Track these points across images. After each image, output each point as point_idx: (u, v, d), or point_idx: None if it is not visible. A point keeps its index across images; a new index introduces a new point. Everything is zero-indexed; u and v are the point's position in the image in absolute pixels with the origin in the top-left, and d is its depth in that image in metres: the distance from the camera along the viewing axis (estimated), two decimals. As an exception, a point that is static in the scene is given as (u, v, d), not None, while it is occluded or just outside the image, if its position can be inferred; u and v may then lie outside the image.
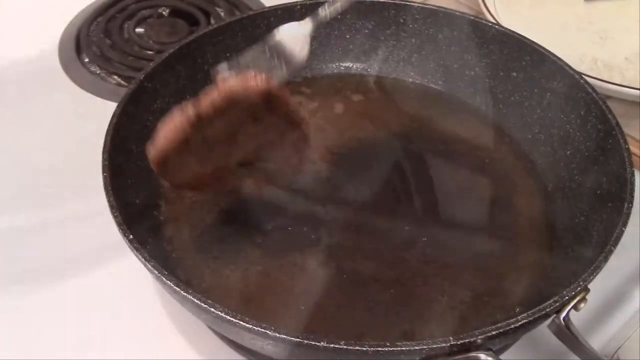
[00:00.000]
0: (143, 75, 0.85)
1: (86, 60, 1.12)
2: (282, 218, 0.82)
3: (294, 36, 0.82)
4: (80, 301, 0.79)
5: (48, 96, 1.06)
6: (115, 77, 1.09)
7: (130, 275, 0.78)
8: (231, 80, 0.72)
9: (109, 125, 0.78)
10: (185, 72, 0.92)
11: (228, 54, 0.96)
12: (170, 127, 0.72)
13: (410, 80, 1.01)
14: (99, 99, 1.05)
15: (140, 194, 0.80)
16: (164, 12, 1.20)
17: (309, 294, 0.74)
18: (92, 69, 1.10)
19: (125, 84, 1.07)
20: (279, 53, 0.82)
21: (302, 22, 0.82)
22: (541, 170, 0.88)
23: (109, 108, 0.81)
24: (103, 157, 0.75)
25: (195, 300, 0.61)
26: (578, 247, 0.76)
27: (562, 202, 0.84)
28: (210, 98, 0.73)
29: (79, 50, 1.14)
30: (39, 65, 1.11)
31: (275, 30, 0.82)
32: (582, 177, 0.83)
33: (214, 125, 0.79)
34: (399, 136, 0.94)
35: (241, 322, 0.59)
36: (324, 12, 0.81)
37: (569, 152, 0.86)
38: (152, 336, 0.77)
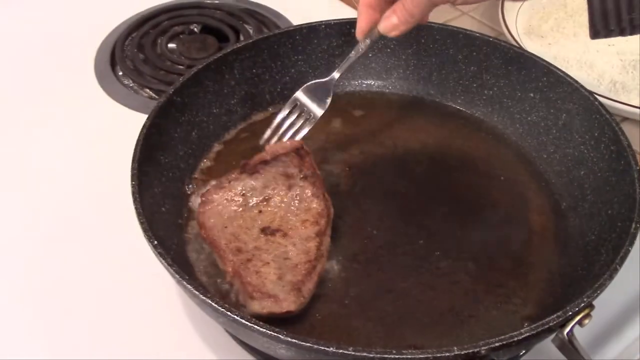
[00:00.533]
0: (172, 90, 0.89)
1: (120, 73, 1.17)
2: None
3: (318, 91, 0.90)
4: (104, 302, 0.83)
5: (83, 108, 1.11)
6: (147, 90, 1.13)
7: (153, 280, 0.82)
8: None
9: (139, 136, 0.82)
10: (212, 87, 0.95)
11: (254, 70, 1.00)
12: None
13: (430, 98, 1.04)
14: (131, 111, 1.09)
15: (167, 203, 0.84)
16: (195, 29, 1.25)
17: (323, 302, 0.77)
18: (126, 82, 1.15)
19: (157, 97, 1.11)
20: (303, 109, 0.90)
21: (326, 79, 0.90)
22: (555, 189, 0.90)
23: (140, 120, 0.85)
24: (132, 166, 0.78)
25: (213, 304, 0.64)
26: (587, 265, 0.78)
27: (575, 220, 0.85)
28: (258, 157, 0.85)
29: (113, 63, 1.19)
30: (75, 78, 1.16)
31: (301, 90, 0.89)
32: (594, 196, 0.84)
33: (254, 184, 0.85)
34: (417, 153, 0.96)
35: (256, 327, 0.62)
36: (347, 62, 0.89)
37: (582, 172, 0.87)
38: (171, 337, 0.80)
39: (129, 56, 1.19)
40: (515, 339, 0.62)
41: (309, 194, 0.84)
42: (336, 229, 0.84)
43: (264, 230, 0.82)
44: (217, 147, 0.96)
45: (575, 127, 0.90)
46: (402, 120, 1.01)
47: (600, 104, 0.86)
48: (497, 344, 0.61)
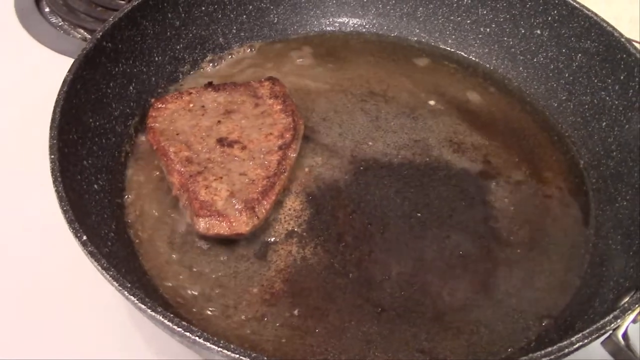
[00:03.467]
0: (100, 34, 0.68)
1: (46, 10, 0.94)
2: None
3: None
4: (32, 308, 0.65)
5: (1, 52, 0.89)
6: (81, 30, 0.91)
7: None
8: None
9: (58, 95, 0.62)
10: (152, 29, 0.75)
11: (204, 8, 0.79)
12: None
13: (415, 39, 0.85)
14: (61, 57, 0.87)
15: (100, 178, 0.64)
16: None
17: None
18: (54, 20, 0.93)
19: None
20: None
21: None
22: (571, 144, 0.73)
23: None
24: (51, 134, 0.58)
25: (170, 324, 0.47)
26: (622, 239, 0.62)
27: (598, 182, 0.69)
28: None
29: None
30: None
31: None
32: (621, 153, 0.68)
33: (218, 97, 0.73)
34: (403, 105, 0.78)
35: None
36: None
37: (604, 123, 0.71)
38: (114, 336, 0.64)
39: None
40: (566, 350, 0.46)
41: (277, 109, 0.73)
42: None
43: (221, 142, 0.69)
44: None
45: (594, 69, 0.72)
46: (383, 66, 0.82)
47: (628, 40, 0.69)
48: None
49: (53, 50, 0.88)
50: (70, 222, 0.53)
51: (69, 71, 0.64)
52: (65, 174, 0.57)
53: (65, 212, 0.53)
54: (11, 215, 0.71)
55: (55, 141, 0.58)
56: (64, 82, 0.63)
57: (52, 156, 0.57)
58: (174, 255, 0.63)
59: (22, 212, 0.71)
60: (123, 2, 0.94)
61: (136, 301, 0.49)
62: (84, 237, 0.51)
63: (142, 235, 0.64)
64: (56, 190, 0.54)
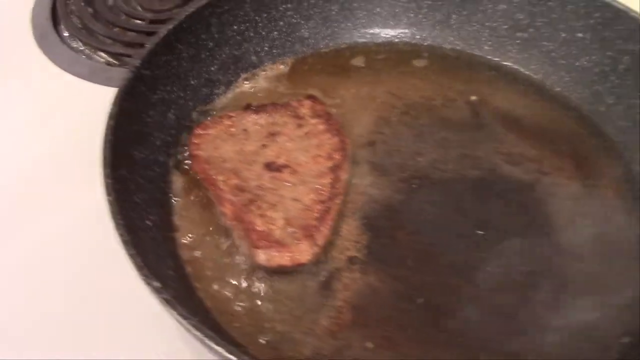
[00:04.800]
0: (140, 62, 0.65)
1: (65, 34, 0.89)
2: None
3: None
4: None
5: (20, 78, 0.84)
6: (103, 54, 0.87)
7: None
8: None
9: (106, 130, 0.58)
10: (187, 52, 0.71)
11: (235, 27, 0.76)
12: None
13: (449, 47, 0.82)
14: (81, 81, 0.83)
15: (151, 213, 0.61)
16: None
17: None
18: (73, 44, 0.88)
19: (115, 61, 0.86)
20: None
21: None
22: (623, 149, 0.71)
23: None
24: (104, 173, 0.55)
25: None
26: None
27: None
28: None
29: (55, 21, 0.90)
30: (8, 40, 0.89)
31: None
32: (678, 158, 0.66)
33: (259, 119, 0.71)
34: (444, 117, 0.75)
35: None
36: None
37: (657, 127, 0.69)
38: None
39: (74, 11, 0.92)
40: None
41: (322, 129, 0.70)
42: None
43: (269, 167, 0.66)
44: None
45: (644, 72, 0.70)
46: (419, 77, 0.79)
47: (681, 42, 0.67)
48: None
49: (73, 75, 0.84)
50: (140, 269, 0.50)
51: (113, 104, 0.61)
52: (124, 215, 0.53)
53: (132, 257, 0.50)
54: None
55: (110, 180, 0.55)
56: (109, 115, 0.60)
57: (109, 197, 0.53)
58: (234, 291, 0.60)
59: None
60: (140, 22, 0.91)
61: (219, 349, 0.46)
62: (157, 284, 0.48)
63: (199, 271, 0.61)
64: (120, 235, 0.51)
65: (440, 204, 0.66)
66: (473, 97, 0.76)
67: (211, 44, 0.74)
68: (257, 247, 0.60)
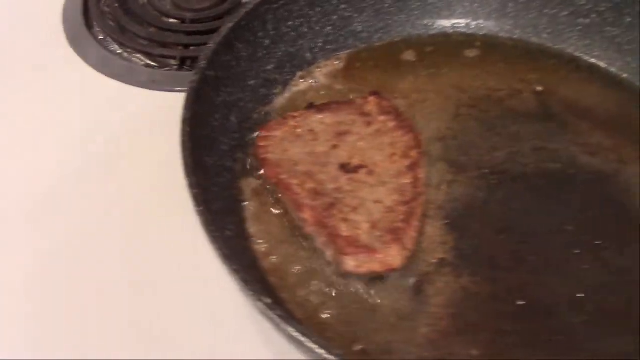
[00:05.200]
0: (204, 63, 0.61)
1: (100, 36, 0.85)
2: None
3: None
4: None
5: (52, 79, 0.79)
6: (140, 56, 0.82)
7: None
8: None
9: (182, 138, 0.54)
10: (246, 51, 0.68)
11: (290, 22, 0.72)
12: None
13: (507, 35, 0.79)
14: (117, 83, 0.78)
15: (229, 223, 0.57)
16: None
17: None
18: (110, 46, 0.84)
19: (153, 63, 0.82)
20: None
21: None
22: (701, 139, 0.69)
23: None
24: (189, 182, 0.52)
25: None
26: None
27: None
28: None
29: (87, 20, 0.86)
30: (39, 38, 0.84)
31: None
32: None
33: (324, 119, 0.67)
34: (506, 109, 0.72)
35: None
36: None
37: None
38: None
39: (107, 11, 0.87)
40: None
41: (392, 126, 0.66)
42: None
43: (344, 168, 0.63)
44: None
45: None
46: (479, 68, 0.76)
47: None
48: None
49: (107, 76, 0.79)
50: (246, 283, 0.46)
51: (185, 107, 0.57)
52: (216, 226, 0.50)
53: (235, 271, 0.46)
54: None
55: (196, 190, 0.51)
56: (183, 120, 0.56)
57: (200, 208, 0.50)
58: (324, 301, 0.56)
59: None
60: (174, 21, 0.87)
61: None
62: (269, 301, 0.45)
63: (282, 281, 0.58)
64: (218, 249, 0.48)
65: (524, 200, 0.63)
66: (539, 88, 0.73)
67: (267, 41, 0.70)
68: (345, 254, 0.56)
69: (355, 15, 0.76)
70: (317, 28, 0.75)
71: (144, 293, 0.60)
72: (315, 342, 0.43)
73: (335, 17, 0.75)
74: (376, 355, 0.53)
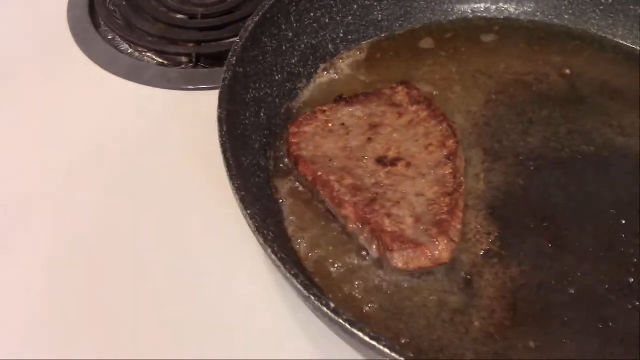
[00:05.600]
0: (234, 59, 0.59)
1: (109, 36, 0.82)
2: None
3: None
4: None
5: (57, 76, 0.77)
6: (150, 54, 0.80)
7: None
8: None
9: (222, 139, 0.52)
10: (271, 45, 0.66)
11: (312, 14, 0.70)
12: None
13: (527, 18, 0.78)
14: (124, 81, 0.76)
15: (270, 224, 0.55)
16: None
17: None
18: (120, 45, 0.81)
19: (165, 62, 0.79)
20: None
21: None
22: None
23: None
24: (233, 184, 0.50)
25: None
26: None
27: None
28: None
29: (94, 19, 0.83)
30: (44, 35, 0.81)
31: None
32: None
33: (355, 111, 0.66)
34: (534, 91, 0.71)
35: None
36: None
37: None
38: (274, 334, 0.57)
39: (114, 9, 0.85)
40: None
41: (425, 116, 0.65)
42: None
43: (381, 161, 0.61)
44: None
45: None
46: (503, 52, 0.75)
47: None
48: None
49: (114, 74, 0.77)
50: (308, 288, 0.45)
51: (220, 107, 0.55)
52: (269, 230, 0.48)
53: (295, 276, 0.45)
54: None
55: (243, 193, 0.49)
56: (220, 119, 0.54)
57: (249, 211, 0.48)
58: (369, 299, 0.55)
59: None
60: (182, 16, 0.84)
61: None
62: (333, 305, 0.43)
63: (326, 279, 0.56)
64: (275, 253, 0.46)
65: (563, 185, 0.62)
66: (567, 71, 0.72)
67: (291, 34, 0.68)
68: (392, 250, 0.55)
69: (376, 4, 0.75)
70: (338, 18, 0.73)
71: (199, 301, 0.58)
72: (367, 334, 0.41)
73: (355, 7, 0.74)
74: (432, 353, 0.52)
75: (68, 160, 0.68)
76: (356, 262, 0.57)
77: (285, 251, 0.49)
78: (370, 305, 0.55)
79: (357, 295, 0.55)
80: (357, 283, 0.56)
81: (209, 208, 0.63)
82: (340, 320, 0.42)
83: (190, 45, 0.80)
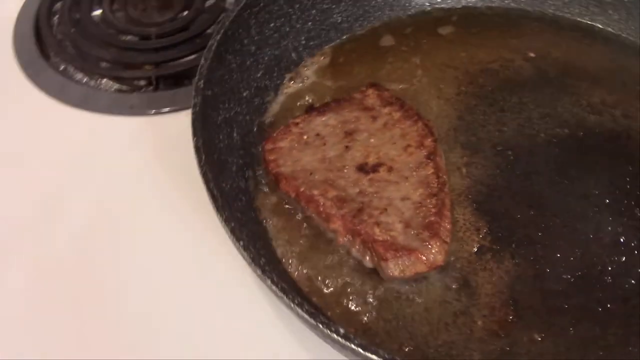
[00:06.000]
0: (202, 82, 0.57)
1: (57, 61, 0.78)
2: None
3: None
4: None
5: (8, 113, 0.74)
6: (106, 80, 0.76)
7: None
8: None
9: (201, 168, 0.51)
10: (235, 62, 0.64)
11: (272, 24, 0.69)
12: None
13: (484, 4, 0.78)
14: (79, 112, 0.73)
15: (254, 248, 0.53)
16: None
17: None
18: (74, 74, 0.77)
19: (123, 86, 0.76)
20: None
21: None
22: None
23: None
24: (223, 219, 0.48)
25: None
26: None
27: None
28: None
29: (42, 47, 0.80)
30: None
31: None
32: None
33: (328, 120, 0.64)
34: (532, 78, 0.70)
35: None
36: None
37: None
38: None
39: (61, 33, 0.81)
40: None
41: (399, 117, 0.64)
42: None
43: (362, 169, 0.60)
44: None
45: None
46: (461, 43, 0.74)
47: None
48: None
49: (68, 105, 0.74)
50: (313, 316, 0.44)
51: (195, 135, 0.53)
52: (265, 259, 0.46)
53: (299, 305, 0.44)
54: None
55: (232, 224, 0.47)
56: (196, 149, 0.52)
57: (241, 243, 0.47)
58: (370, 314, 0.54)
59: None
60: (132, 37, 0.81)
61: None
62: (341, 329, 0.42)
63: (322, 297, 0.55)
64: (275, 284, 0.45)
65: (543, 171, 0.62)
66: (531, 54, 0.72)
67: (253, 47, 0.67)
68: (386, 260, 0.54)
69: (334, 7, 0.74)
70: (298, 25, 0.71)
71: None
72: (382, 356, 0.40)
73: (314, 12, 0.72)
74: (440, 358, 0.51)
75: (31, 200, 0.66)
76: (350, 274, 0.56)
77: (278, 274, 0.48)
78: (368, 316, 0.54)
79: (354, 307, 0.55)
80: (352, 296, 0.55)
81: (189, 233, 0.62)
82: (352, 346, 0.41)
83: (148, 67, 0.77)
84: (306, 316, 0.43)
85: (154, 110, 0.72)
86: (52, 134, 0.72)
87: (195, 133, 0.53)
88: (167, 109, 0.72)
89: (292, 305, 0.43)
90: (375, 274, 0.56)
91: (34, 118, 0.73)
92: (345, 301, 0.55)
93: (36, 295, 0.58)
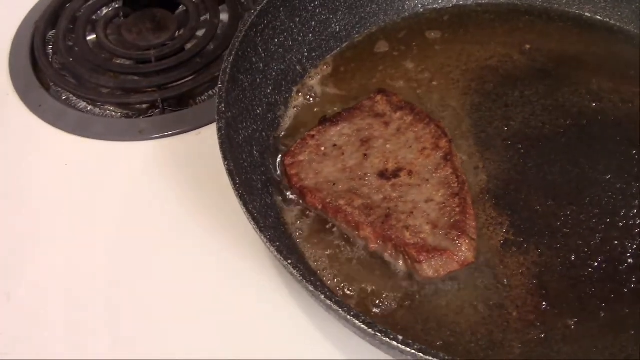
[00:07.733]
0: (223, 105, 0.58)
1: (58, 91, 0.78)
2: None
3: None
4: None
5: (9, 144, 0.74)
6: (112, 108, 0.76)
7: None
8: None
9: (237, 192, 0.52)
10: (247, 81, 0.65)
11: (276, 40, 0.70)
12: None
13: (474, 2, 0.79)
14: (78, 139, 0.73)
15: (299, 265, 0.55)
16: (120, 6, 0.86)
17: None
18: (75, 102, 0.77)
19: (129, 112, 0.76)
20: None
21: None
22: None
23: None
24: (266, 238, 0.50)
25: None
26: None
27: None
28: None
29: (38, 74, 0.79)
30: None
31: None
32: None
33: (342, 130, 0.66)
34: (517, 76, 0.72)
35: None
36: None
37: None
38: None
39: (58, 63, 0.81)
40: None
41: (411, 120, 0.65)
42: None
43: (383, 175, 0.62)
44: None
45: None
46: (454, 42, 0.76)
47: None
48: None
49: (67, 132, 0.74)
50: (364, 322, 0.45)
51: (225, 159, 0.54)
52: (309, 272, 0.48)
53: (355, 315, 0.45)
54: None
55: (277, 243, 0.48)
56: (229, 172, 0.53)
57: (288, 261, 0.48)
58: (406, 315, 0.55)
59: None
60: (127, 61, 0.81)
61: None
62: (399, 337, 0.43)
63: (362, 303, 0.56)
64: (327, 297, 0.46)
65: (555, 161, 0.64)
66: (526, 46, 0.74)
67: (261, 65, 0.67)
68: (420, 262, 0.56)
69: (331, 17, 0.75)
70: (300, 38, 0.72)
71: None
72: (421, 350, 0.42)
73: (313, 23, 0.73)
74: (482, 352, 0.53)
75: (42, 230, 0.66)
76: (380, 277, 0.58)
77: (322, 286, 0.49)
78: (405, 317, 0.55)
79: (389, 310, 0.56)
80: (384, 299, 0.57)
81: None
82: (413, 351, 0.43)
83: (151, 90, 0.77)
84: (364, 327, 0.44)
85: (163, 133, 0.73)
86: (65, 166, 0.72)
87: (225, 157, 0.54)
88: (177, 130, 0.73)
89: (348, 317, 0.44)
90: (407, 276, 0.57)
91: (41, 150, 0.73)
92: (379, 303, 0.56)
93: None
